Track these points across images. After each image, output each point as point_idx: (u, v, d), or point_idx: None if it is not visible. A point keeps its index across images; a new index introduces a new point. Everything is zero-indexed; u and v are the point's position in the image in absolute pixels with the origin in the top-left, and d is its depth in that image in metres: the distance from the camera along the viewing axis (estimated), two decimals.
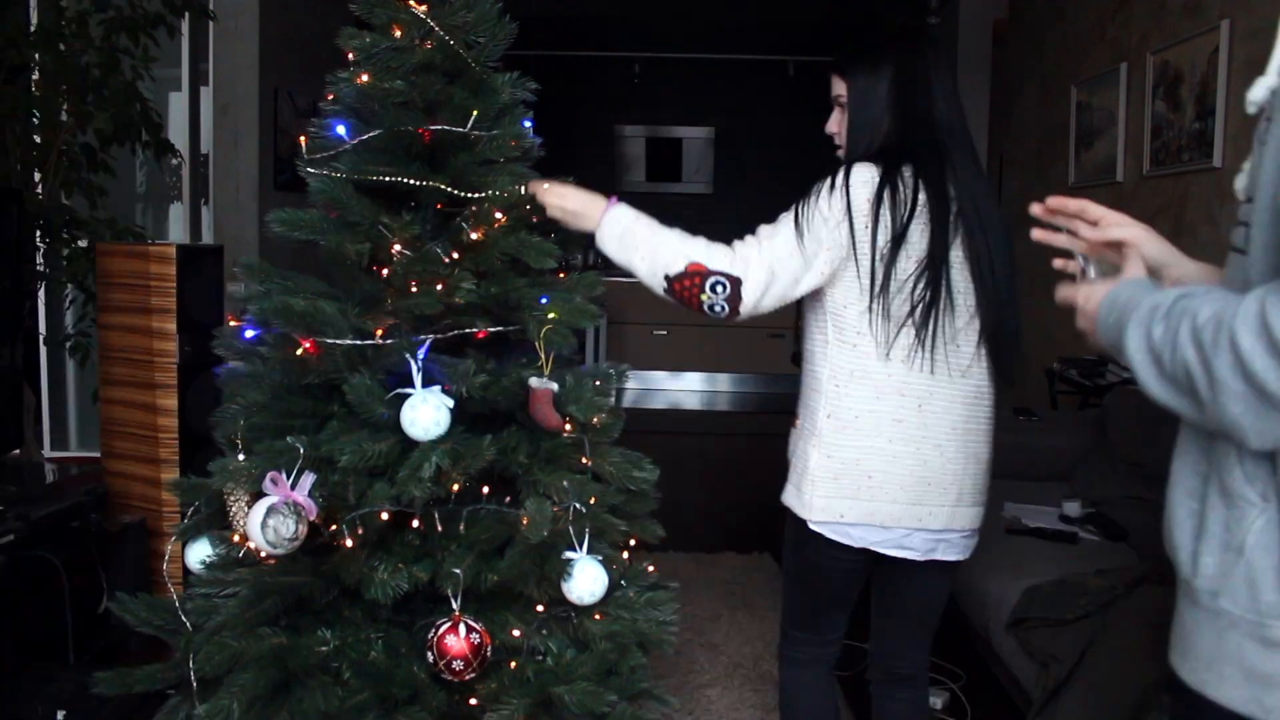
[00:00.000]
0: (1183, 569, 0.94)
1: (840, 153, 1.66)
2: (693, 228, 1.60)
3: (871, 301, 1.52)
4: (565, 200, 1.62)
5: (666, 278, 1.54)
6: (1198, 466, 0.94)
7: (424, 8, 1.61)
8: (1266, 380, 0.77)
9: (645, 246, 1.55)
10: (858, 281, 1.52)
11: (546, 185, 1.63)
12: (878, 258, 1.50)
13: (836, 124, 1.67)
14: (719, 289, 1.50)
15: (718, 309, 1.52)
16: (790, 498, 1.66)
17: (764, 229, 1.56)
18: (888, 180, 1.50)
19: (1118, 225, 1.17)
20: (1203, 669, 0.91)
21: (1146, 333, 0.89)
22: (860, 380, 1.55)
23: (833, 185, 1.52)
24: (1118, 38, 4.02)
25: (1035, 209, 1.21)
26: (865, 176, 1.51)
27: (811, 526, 1.61)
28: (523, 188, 1.62)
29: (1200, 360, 0.81)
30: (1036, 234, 1.22)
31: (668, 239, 1.55)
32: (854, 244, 1.51)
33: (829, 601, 1.77)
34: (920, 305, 1.51)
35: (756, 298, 1.52)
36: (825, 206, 1.51)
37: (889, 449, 1.56)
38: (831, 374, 1.57)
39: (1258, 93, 0.93)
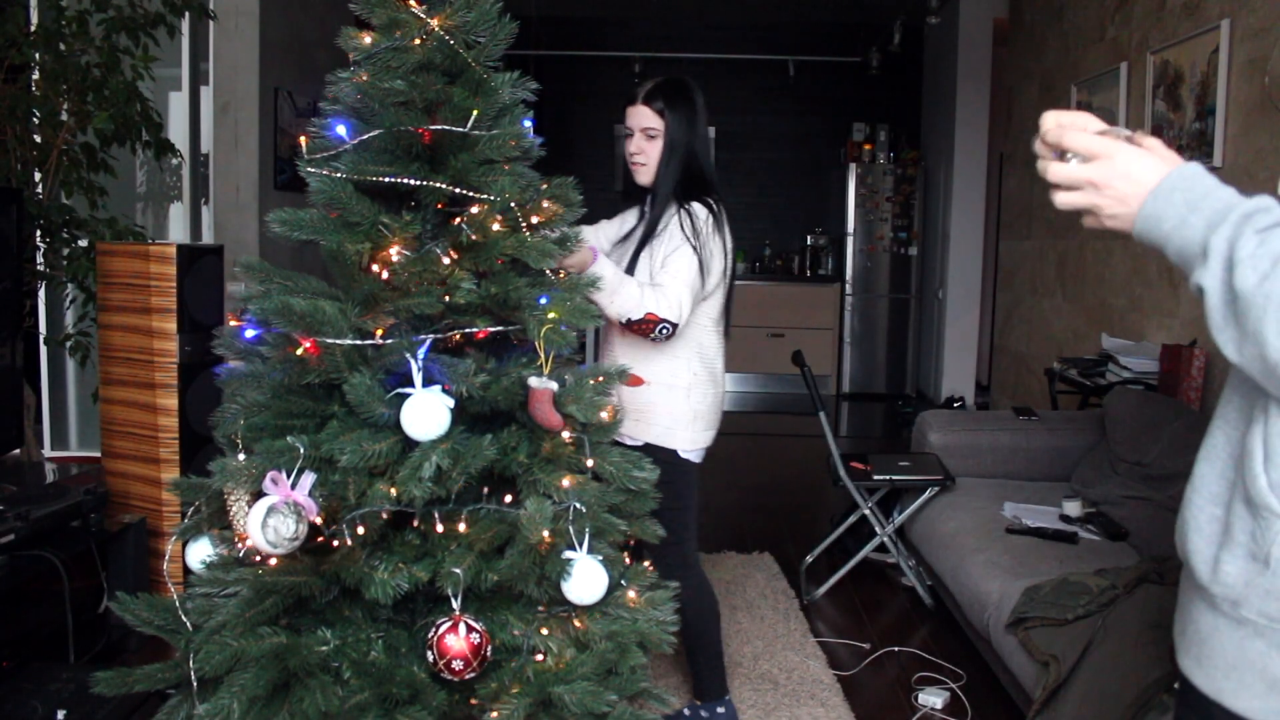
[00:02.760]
0: (1199, 574, 0.91)
1: (643, 173, 2.19)
2: None
3: (726, 298, 2.28)
4: (568, 260, 1.92)
5: (629, 320, 2.02)
6: (1225, 473, 0.90)
7: (424, 8, 1.61)
8: None
9: (615, 296, 1.98)
10: (723, 284, 2.24)
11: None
12: (729, 268, 2.24)
13: (640, 149, 2.18)
14: (664, 331, 2.05)
15: (662, 338, 2.08)
16: (663, 438, 2.18)
17: (678, 273, 2.07)
18: (724, 213, 2.20)
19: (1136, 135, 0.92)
20: (1220, 677, 0.89)
21: (1233, 239, 0.76)
22: (711, 350, 2.25)
23: (715, 229, 2.15)
24: (1118, 38, 4.02)
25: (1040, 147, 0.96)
26: (722, 217, 2.18)
27: (682, 455, 2.20)
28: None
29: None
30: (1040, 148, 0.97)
31: (631, 292, 2.00)
32: (725, 266, 2.21)
33: (694, 509, 2.27)
34: (729, 293, 2.30)
35: (683, 324, 2.10)
36: (714, 245, 2.15)
37: (718, 391, 2.28)
38: (698, 347, 2.22)
39: None
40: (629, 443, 2.17)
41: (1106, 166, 0.85)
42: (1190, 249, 0.80)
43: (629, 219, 2.34)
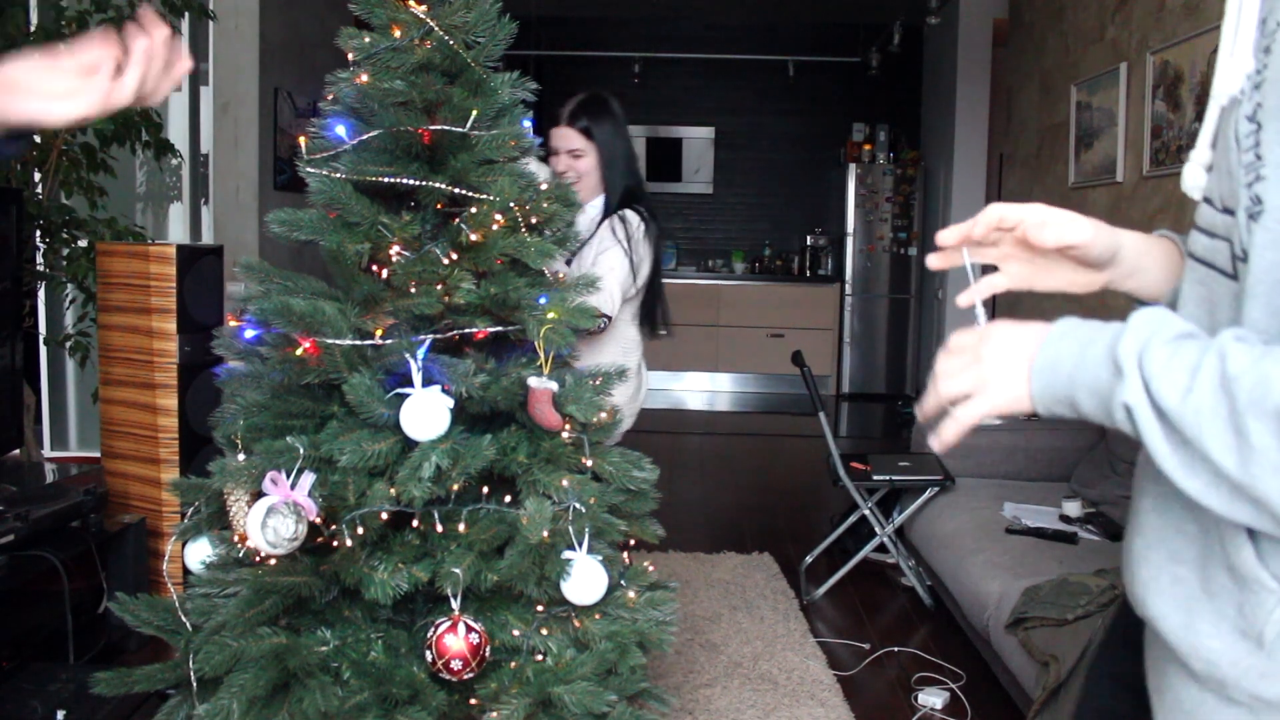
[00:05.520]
0: (1173, 643, 0.78)
1: (580, 190, 2.27)
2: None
3: (658, 298, 2.43)
4: None
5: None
6: (1184, 527, 0.77)
7: (424, 8, 1.61)
8: None
9: None
10: (642, 289, 2.37)
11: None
12: (653, 275, 2.38)
13: (568, 167, 2.32)
14: (601, 324, 2.20)
15: (598, 330, 2.22)
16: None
17: (611, 270, 2.22)
18: (654, 220, 2.35)
19: (1056, 225, 0.84)
20: None
21: (1141, 352, 0.68)
22: (637, 342, 2.43)
23: (645, 235, 2.30)
24: (1118, 38, 4.02)
25: (937, 254, 0.92)
26: (652, 227, 2.32)
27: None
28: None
29: (1230, 414, 0.63)
30: (933, 263, 0.92)
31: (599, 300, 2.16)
32: (649, 271, 2.35)
33: None
34: (661, 294, 2.46)
35: (615, 318, 2.28)
36: (644, 250, 2.31)
37: (643, 377, 2.47)
38: (633, 338, 2.40)
39: (1232, 84, 0.75)
40: None
41: (984, 341, 0.78)
42: (1100, 378, 0.71)
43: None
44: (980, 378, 0.77)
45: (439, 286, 1.55)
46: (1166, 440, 0.67)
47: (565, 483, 1.57)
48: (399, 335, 1.55)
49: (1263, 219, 0.68)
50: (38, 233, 3.19)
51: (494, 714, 1.51)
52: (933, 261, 0.90)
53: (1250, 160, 0.70)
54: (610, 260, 2.25)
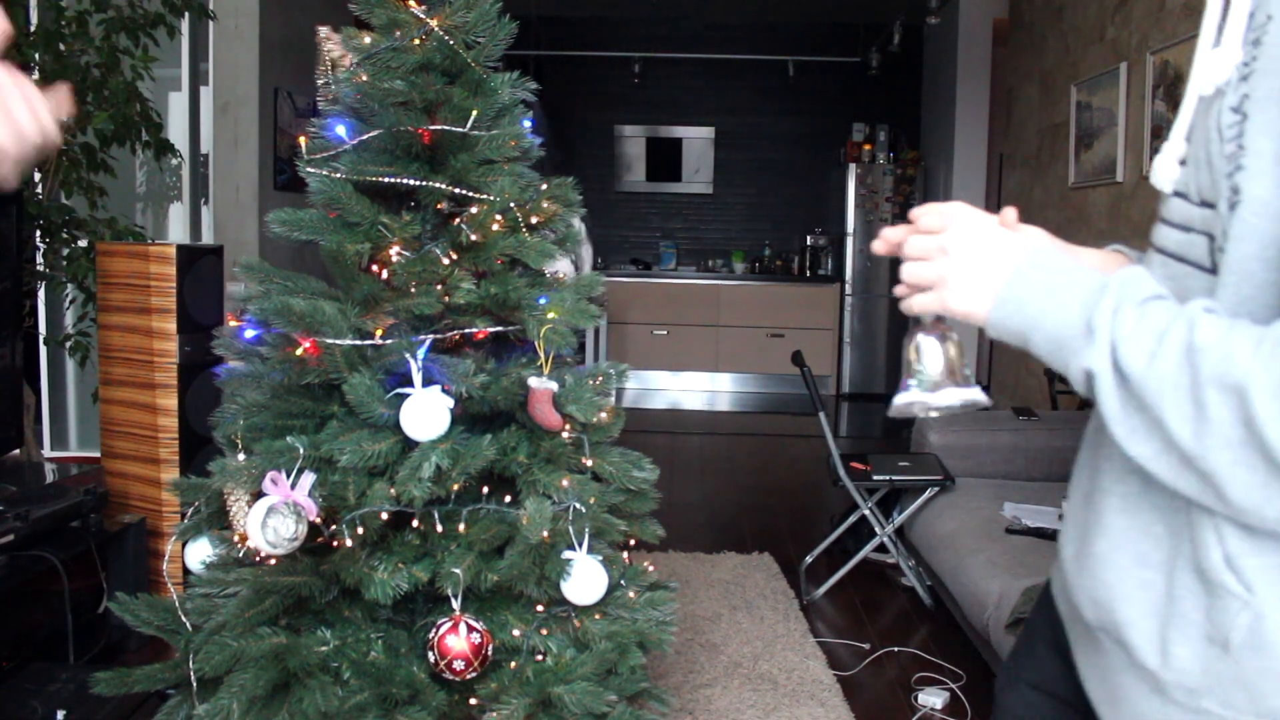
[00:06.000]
0: (1142, 654, 0.75)
1: None
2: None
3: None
4: None
5: None
6: (1151, 528, 0.75)
7: (424, 8, 1.61)
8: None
9: None
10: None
11: None
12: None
13: None
14: None
15: None
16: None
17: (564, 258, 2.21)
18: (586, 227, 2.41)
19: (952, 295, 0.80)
20: None
21: (1114, 319, 0.67)
22: None
23: (586, 238, 2.44)
24: (1118, 38, 4.02)
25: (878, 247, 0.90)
26: (584, 230, 2.40)
27: None
28: None
29: (1191, 385, 0.63)
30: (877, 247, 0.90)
31: None
32: (585, 273, 2.36)
33: None
34: None
35: None
36: (584, 252, 2.46)
37: None
38: None
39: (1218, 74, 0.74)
40: None
41: (953, 231, 0.78)
42: (1067, 331, 0.70)
43: None
44: (942, 275, 0.78)
45: (439, 286, 1.56)
46: (1123, 404, 0.67)
47: (565, 483, 1.57)
48: (399, 335, 1.55)
49: (1239, 209, 0.68)
50: (38, 233, 3.19)
51: (494, 714, 1.51)
52: (877, 246, 0.89)
53: (1232, 151, 0.69)
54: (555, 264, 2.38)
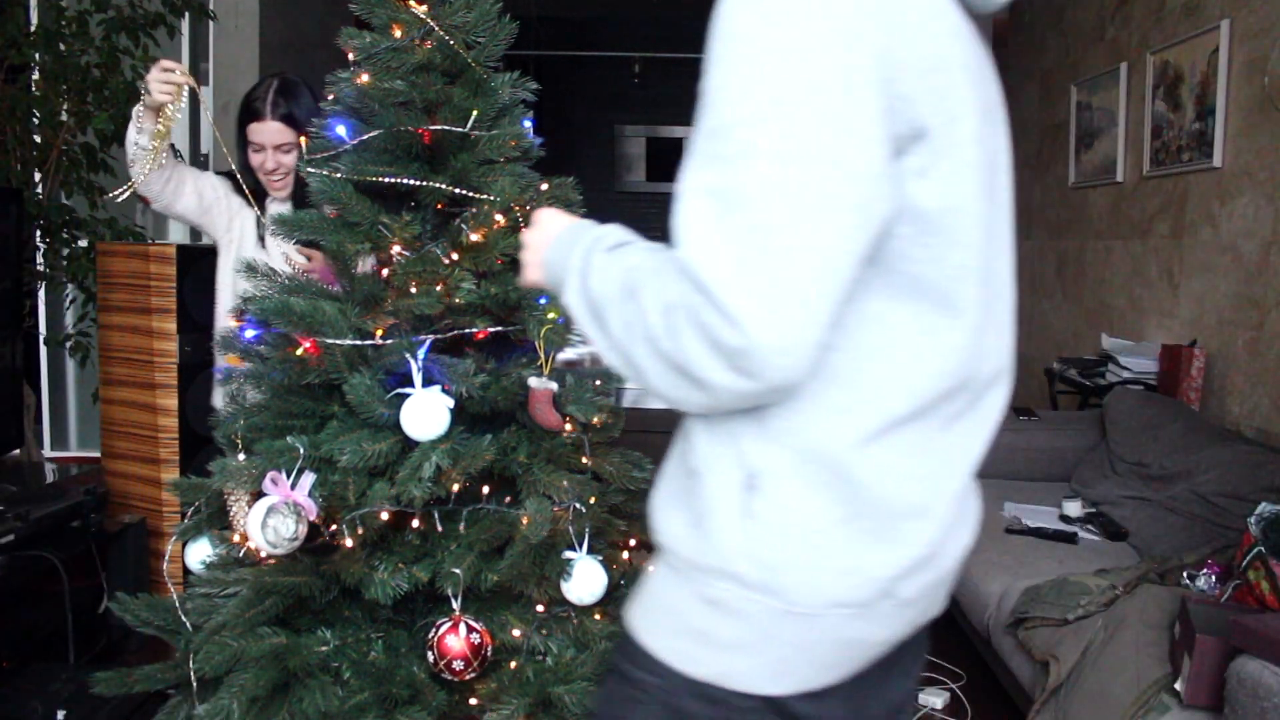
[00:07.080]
0: (655, 535, 0.93)
1: (284, 186, 2.27)
2: None
3: None
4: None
5: None
6: (674, 448, 0.93)
7: (424, 8, 1.61)
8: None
9: None
10: None
11: None
12: None
13: (278, 164, 2.26)
14: None
15: None
16: None
17: None
18: None
19: None
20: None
21: (586, 256, 0.86)
22: None
23: None
24: (1118, 38, 4.02)
25: None
26: None
27: None
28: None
29: (619, 295, 0.80)
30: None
31: None
32: None
33: None
34: None
35: None
36: None
37: None
38: None
39: None
40: None
41: (530, 230, 0.99)
42: (563, 276, 0.89)
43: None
44: (524, 261, 1.00)
45: (439, 286, 1.56)
46: (590, 320, 0.83)
47: (565, 483, 1.57)
48: (399, 335, 1.55)
49: None
50: (38, 233, 3.19)
51: (494, 714, 1.51)
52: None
53: None
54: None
